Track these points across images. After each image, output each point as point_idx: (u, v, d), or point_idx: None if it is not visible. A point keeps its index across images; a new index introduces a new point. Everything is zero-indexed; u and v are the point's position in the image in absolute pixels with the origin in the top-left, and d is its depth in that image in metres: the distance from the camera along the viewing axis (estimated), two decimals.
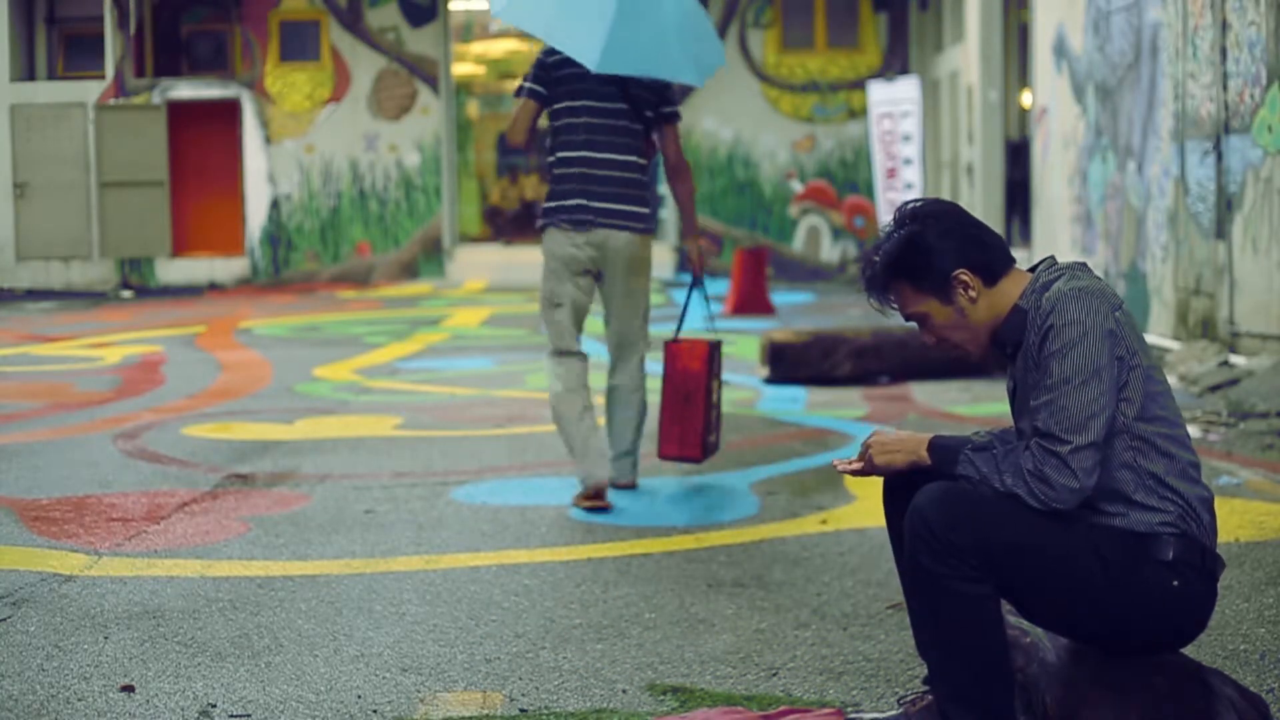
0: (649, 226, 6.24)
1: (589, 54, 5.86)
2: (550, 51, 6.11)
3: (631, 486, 6.41)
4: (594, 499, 6.03)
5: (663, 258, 21.66)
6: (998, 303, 3.23)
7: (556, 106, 6.14)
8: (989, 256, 3.24)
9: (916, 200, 3.32)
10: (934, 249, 3.20)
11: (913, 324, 3.33)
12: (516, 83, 6.42)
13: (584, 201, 6.08)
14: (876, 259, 3.27)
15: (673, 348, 6.38)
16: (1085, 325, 3.06)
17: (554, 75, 6.11)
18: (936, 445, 3.20)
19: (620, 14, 5.91)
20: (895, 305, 3.30)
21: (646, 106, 6.17)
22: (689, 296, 6.59)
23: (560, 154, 6.16)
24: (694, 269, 6.41)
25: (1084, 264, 3.25)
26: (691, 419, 6.29)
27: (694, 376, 6.30)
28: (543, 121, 6.31)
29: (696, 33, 6.21)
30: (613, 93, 6.10)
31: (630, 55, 5.93)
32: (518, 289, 19.42)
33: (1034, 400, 3.11)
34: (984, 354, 3.32)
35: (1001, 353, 3.29)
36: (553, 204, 6.18)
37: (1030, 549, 3.06)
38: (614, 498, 6.27)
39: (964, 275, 3.21)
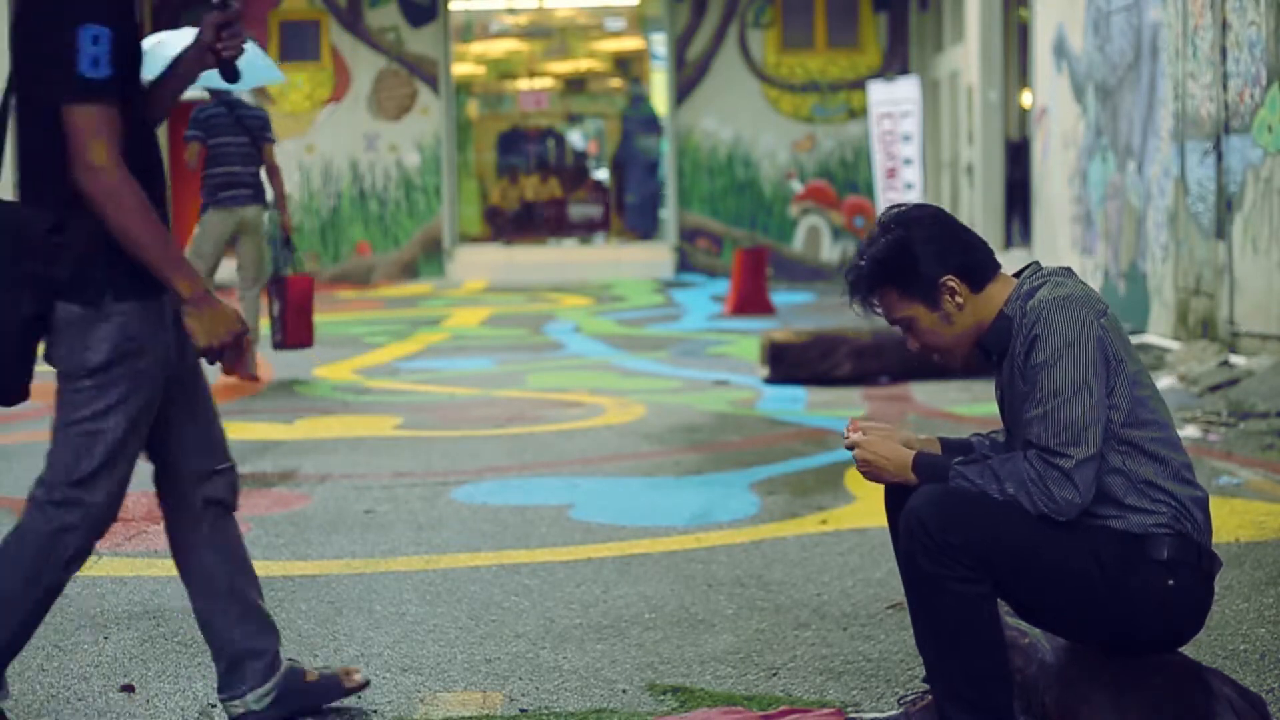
0: (264, 203, 10.32)
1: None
2: (203, 108, 10.13)
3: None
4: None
5: (662, 257, 21.65)
6: (983, 309, 3.23)
7: (211, 141, 10.09)
8: (976, 262, 3.23)
9: (901, 205, 3.32)
10: (921, 255, 3.20)
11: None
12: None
13: (233, 192, 10.11)
14: (862, 263, 3.26)
15: (292, 279, 10.08)
16: (1071, 335, 3.06)
17: (206, 125, 10.06)
18: (922, 464, 3.21)
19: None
20: (879, 310, 3.29)
21: (259, 138, 10.18)
22: (279, 250, 10.28)
23: (216, 169, 10.10)
24: (285, 233, 10.30)
25: (1069, 269, 3.25)
26: (305, 322, 10.12)
27: (306, 294, 10.12)
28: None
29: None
30: (239, 131, 10.09)
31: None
32: (518, 289, 19.42)
33: (1026, 413, 3.10)
34: (967, 360, 3.32)
35: (986, 359, 3.29)
36: (211, 192, 10.13)
37: (1026, 550, 3.07)
38: (615, 498, 6.30)
39: (951, 281, 3.20)
